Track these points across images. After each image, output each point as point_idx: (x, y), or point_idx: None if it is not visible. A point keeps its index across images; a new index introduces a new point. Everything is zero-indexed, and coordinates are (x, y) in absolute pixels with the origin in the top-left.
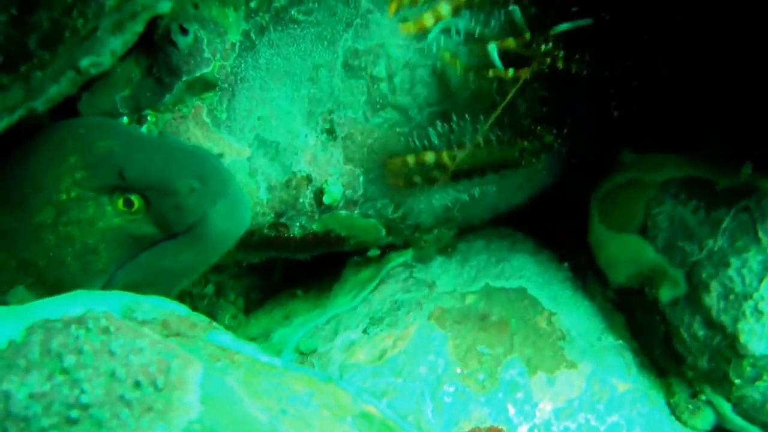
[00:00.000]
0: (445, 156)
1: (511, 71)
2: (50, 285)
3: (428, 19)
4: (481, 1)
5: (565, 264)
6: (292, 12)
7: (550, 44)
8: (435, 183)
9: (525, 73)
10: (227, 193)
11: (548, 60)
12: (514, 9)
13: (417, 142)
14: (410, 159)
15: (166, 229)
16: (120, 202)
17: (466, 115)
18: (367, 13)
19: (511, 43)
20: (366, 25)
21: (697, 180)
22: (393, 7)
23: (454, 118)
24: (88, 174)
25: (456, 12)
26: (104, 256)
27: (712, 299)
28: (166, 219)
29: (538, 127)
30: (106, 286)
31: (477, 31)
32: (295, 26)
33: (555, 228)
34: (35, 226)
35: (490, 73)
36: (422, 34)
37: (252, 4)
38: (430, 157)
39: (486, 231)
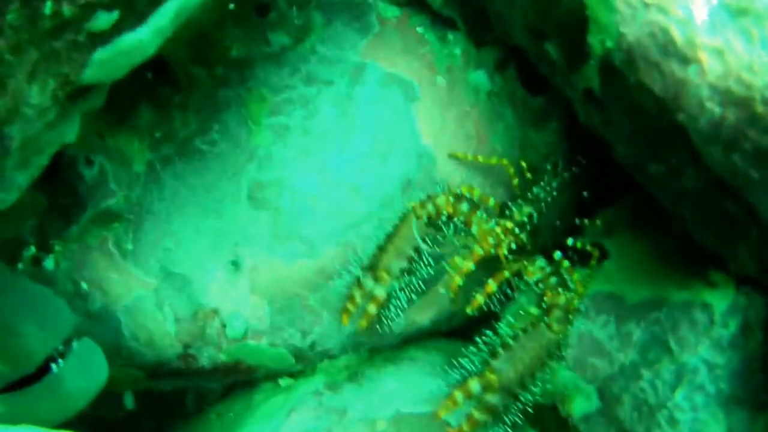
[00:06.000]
0: (487, 374)
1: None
2: None
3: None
4: None
5: None
6: (197, 142)
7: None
8: (493, 410)
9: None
10: (73, 339)
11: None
12: None
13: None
14: (458, 395)
15: (15, 369)
16: None
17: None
18: (271, 145)
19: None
20: (269, 157)
21: (607, 295)
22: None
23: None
24: None
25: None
26: None
27: (625, 412)
28: (13, 358)
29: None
30: None
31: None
32: (200, 157)
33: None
34: None
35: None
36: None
37: (156, 134)
38: (474, 384)
39: (398, 353)
